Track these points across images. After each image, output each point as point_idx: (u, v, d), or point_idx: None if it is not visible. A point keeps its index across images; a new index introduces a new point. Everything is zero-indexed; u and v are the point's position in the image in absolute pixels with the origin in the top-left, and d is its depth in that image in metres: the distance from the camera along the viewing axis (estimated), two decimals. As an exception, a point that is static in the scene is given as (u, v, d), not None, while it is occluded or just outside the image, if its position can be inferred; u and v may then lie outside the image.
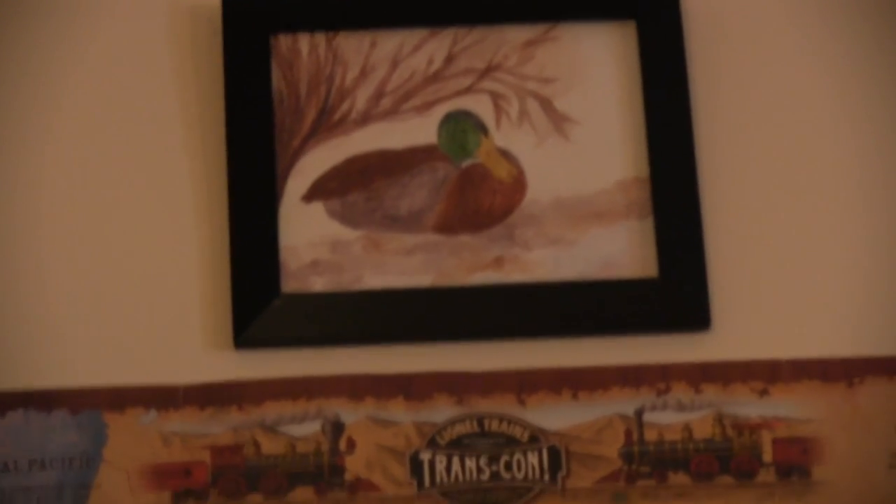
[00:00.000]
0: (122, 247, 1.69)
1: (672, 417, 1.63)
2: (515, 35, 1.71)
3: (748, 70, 1.75)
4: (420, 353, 1.65)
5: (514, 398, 1.64)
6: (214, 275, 1.67)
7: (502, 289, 1.66)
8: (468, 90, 1.70)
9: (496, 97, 1.69)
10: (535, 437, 1.63)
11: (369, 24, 1.72)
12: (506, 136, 1.69)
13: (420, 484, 1.61)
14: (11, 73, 1.73)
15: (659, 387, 1.63)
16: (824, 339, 1.67)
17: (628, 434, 1.62)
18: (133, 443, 1.62)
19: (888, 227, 1.72)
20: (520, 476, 1.62)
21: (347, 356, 1.65)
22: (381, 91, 1.69)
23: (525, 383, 1.64)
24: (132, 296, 1.69)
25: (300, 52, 1.70)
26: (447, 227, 1.67)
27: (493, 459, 1.62)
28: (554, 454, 1.62)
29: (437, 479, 1.61)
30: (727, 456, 1.62)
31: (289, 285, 1.65)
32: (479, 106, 1.70)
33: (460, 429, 1.63)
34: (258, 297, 1.65)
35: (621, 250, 1.67)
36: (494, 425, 1.63)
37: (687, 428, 1.62)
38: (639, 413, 1.63)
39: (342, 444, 1.62)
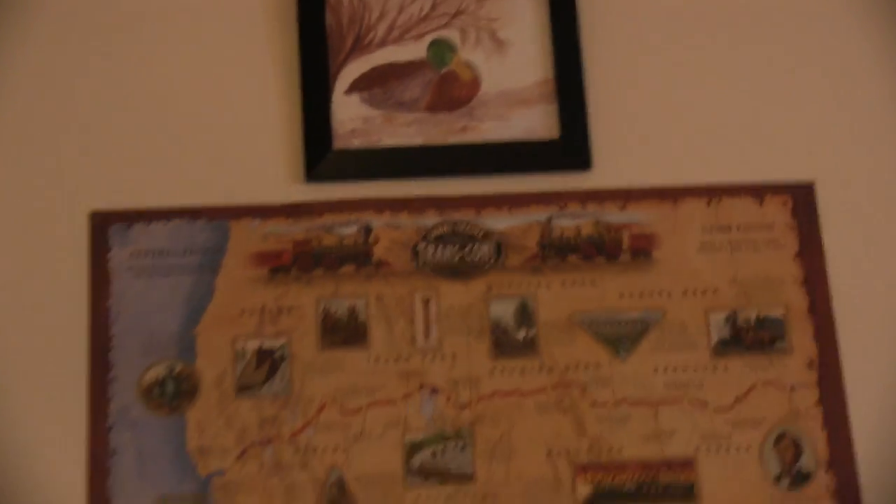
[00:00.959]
0: (234, 130, 1.84)
1: (568, 222, 1.80)
2: (473, -8, 1.78)
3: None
4: (417, 185, 1.84)
5: (474, 212, 1.81)
6: (293, 139, 1.84)
7: (467, 146, 1.84)
8: (445, 26, 1.86)
9: (462, 30, 1.86)
10: (487, 235, 1.80)
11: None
12: (468, 53, 1.86)
13: (417, 263, 1.80)
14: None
15: (560, 204, 1.82)
16: (665, 175, 1.85)
17: (542, 233, 1.80)
18: (245, 238, 1.79)
19: (744, 72, 1.88)
20: (477, 258, 1.79)
21: (374, 186, 1.83)
22: (392, 26, 1.85)
23: (480, 202, 1.82)
24: (250, 155, 1.84)
25: (342, 1, 1.87)
26: (432, 108, 1.84)
27: (461, 248, 1.79)
28: (497, 245, 1.80)
29: (428, 259, 1.80)
30: (602, 245, 1.80)
31: (337, 144, 1.83)
32: (452, 35, 1.87)
33: (441, 230, 1.80)
34: (320, 151, 1.83)
35: (538, 123, 1.83)
36: (462, 228, 1.80)
37: (577, 229, 1.80)
38: (549, 220, 1.81)
39: (371, 239, 1.80)
